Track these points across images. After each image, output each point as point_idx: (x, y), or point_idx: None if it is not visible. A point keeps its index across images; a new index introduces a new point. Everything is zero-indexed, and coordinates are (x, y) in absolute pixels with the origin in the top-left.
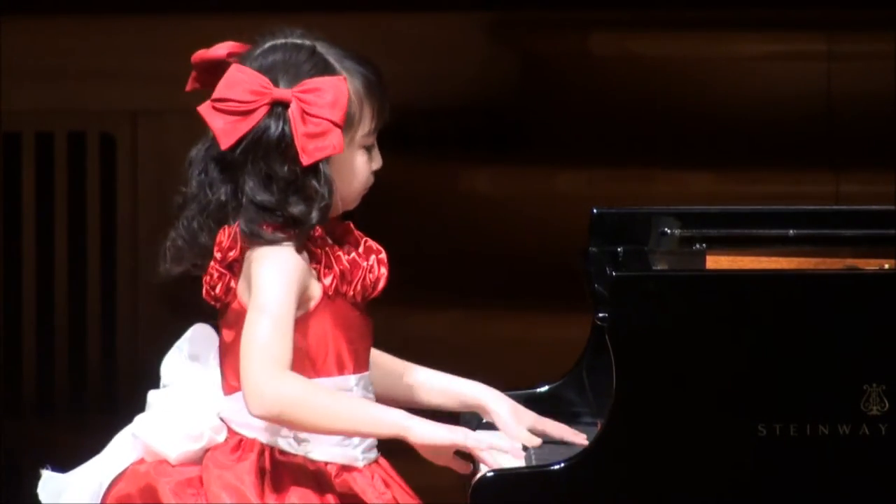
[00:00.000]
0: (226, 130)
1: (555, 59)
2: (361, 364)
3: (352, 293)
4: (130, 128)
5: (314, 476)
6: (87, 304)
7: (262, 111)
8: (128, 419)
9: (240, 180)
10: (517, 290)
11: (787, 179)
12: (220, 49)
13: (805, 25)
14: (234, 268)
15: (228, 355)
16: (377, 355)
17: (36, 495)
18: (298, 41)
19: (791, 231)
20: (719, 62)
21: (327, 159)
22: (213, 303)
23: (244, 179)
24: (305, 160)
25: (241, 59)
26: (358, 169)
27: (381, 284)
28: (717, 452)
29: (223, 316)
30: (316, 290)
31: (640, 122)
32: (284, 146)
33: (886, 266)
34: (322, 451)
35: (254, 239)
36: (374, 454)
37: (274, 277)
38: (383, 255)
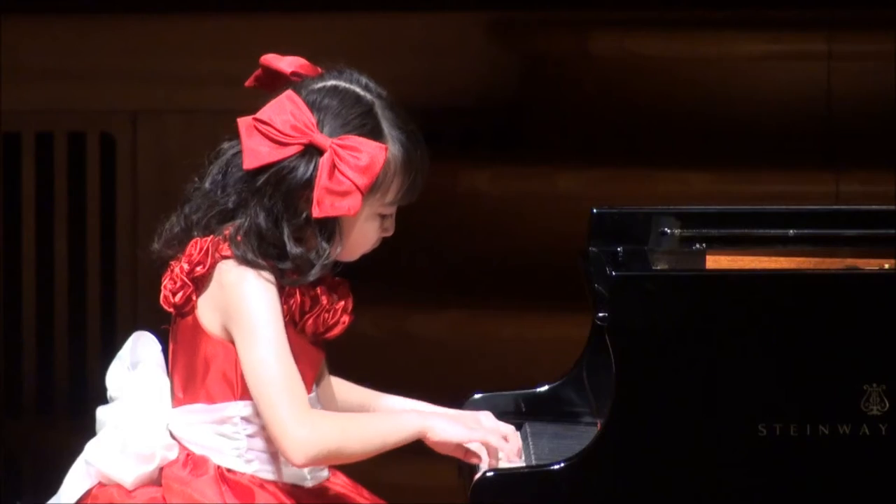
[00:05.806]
0: (256, 152)
1: (555, 59)
2: (305, 385)
3: (301, 327)
4: (130, 128)
5: (268, 491)
6: (87, 304)
7: (296, 149)
8: None
9: (251, 201)
10: (517, 290)
11: (787, 179)
12: (288, 65)
13: (805, 25)
14: (199, 283)
15: (178, 366)
16: (337, 382)
17: (35, 495)
18: (361, 92)
19: (791, 231)
20: (719, 62)
21: (338, 218)
22: (169, 309)
23: (256, 203)
24: (317, 212)
25: (301, 85)
26: (365, 235)
27: (338, 330)
28: (717, 452)
29: (175, 325)
30: None
31: (639, 121)
32: (305, 190)
33: (886, 266)
34: (269, 470)
35: (242, 260)
36: (325, 473)
37: (259, 296)
38: (350, 306)
